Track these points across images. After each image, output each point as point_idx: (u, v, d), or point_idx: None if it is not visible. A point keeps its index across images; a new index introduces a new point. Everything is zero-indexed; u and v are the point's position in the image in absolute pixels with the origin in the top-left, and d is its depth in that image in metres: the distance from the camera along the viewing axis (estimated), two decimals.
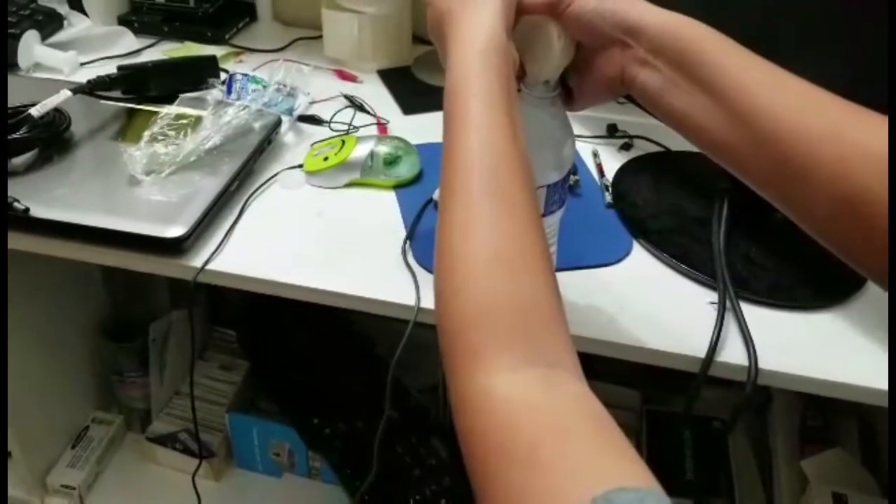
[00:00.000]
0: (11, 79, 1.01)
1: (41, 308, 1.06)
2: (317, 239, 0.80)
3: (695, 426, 1.19)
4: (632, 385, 1.22)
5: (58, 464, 1.15)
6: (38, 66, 1.07)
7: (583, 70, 0.59)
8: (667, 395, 1.24)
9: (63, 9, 1.18)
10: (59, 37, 1.13)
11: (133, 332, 1.17)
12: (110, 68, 0.97)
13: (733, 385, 0.68)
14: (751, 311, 0.72)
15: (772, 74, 0.51)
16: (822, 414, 1.12)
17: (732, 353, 0.69)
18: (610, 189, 0.89)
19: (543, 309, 0.44)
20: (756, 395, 0.69)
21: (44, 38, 1.10)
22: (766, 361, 0.67)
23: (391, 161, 0.87)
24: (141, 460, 1.20)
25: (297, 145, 0.94)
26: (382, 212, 0.84)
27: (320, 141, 0.92)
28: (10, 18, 1.09)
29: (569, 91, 0.62)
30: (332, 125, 0.97)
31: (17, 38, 1.05)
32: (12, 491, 1.13)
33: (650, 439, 1.19)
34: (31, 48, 1.06)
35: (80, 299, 1.15)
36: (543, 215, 0.65)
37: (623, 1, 0.55)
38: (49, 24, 1.13)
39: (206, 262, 0.76)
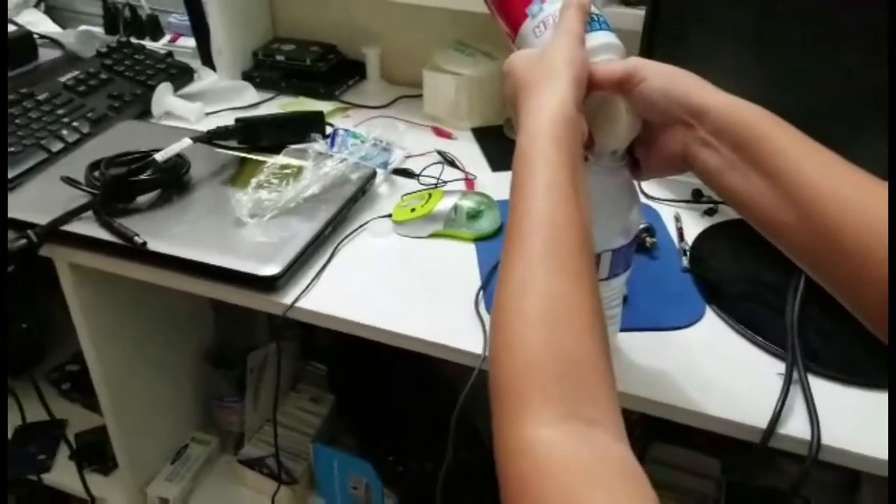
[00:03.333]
0: (144, 125, 1.14)
1: (156, 333, 1.16)
2: (397, 284, 0.85)
3: (775, 502, 1.15)
4: (713, 453, 1.20)
5: (157, 477, 1.24)
6: (168, 114, 1.19)
7: (648, 144, 0.62)
8: (750, 467, 1.21)
9: (196, 63, 1.30)
10: (190, 88, 1.25)
11: (234, 361, 1.26)
12: (230, 119, 1.07)
13: (824, 464, 0.68)
14: (820, 385, 0.72)
15: (829, 162, 0.53)
16: None
17: (796, 426, 0.68)
18: (687, 253, 0.90)
19: (589, 368, 0.46)
20: (845, 475, 0.68)
21: (176, 89, 1.22)
22: (831, 437, 0.67)
23: (474, 215, 0.92)
24: (231, 481, 1.27)
25: (389, 196, 1.00)
26: (461, 262, 0.89)
27: (410, 193, 0.98)
28: (147, 71, 1.22)
29: (636, 161, 0.65)
30: (423, 179, 1.03)
31: (152, 89, 1.17)
32: (115, 498, 1.22)
33: None
34: (164, 99, 1.18)
35: (191, 327, 1.25)
36: (608, 278, 0.68)
37: (689, 83, 0.58)
38: (181, 77, 1.25)
39: (296, 300, 0.82)
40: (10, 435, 1.29)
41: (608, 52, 0.60)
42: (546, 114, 0.55)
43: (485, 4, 0.67)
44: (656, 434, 1.18)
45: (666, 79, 0.58)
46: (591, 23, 0.60)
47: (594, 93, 0.59)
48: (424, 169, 1.04)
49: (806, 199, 0.52)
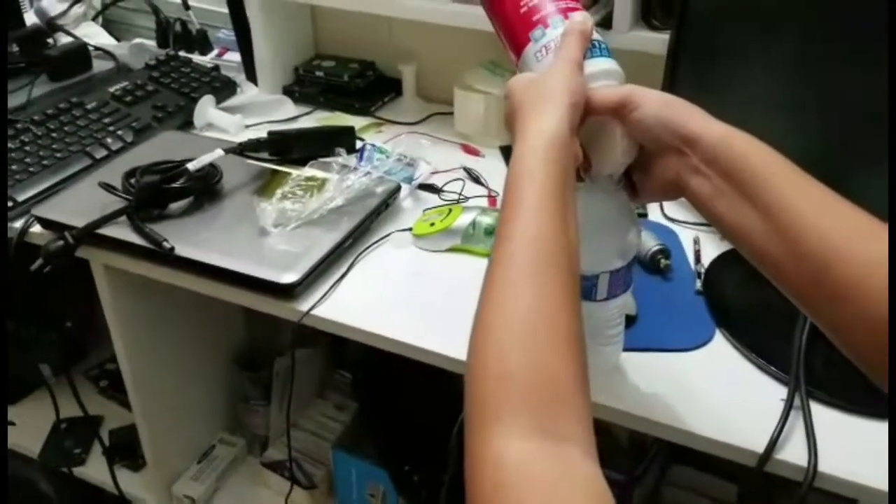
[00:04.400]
0: (185, 136, 1.19)
1: (187, 335, 1.20)
2: (413, 297, 0.88)
3: None
4: (731, 478, 1.19)
5: (183, 476, 1.28)
6: (210, 126, 1.24)
7: (644, 169, 0.64)
8: (771, 495, 1.19)
9: (239, 78, 1.35)
10: (231, 102, 1.30)
11: (263, 365, 1.30)
12: (266, 132, 1.11)
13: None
14: (824, 413, 0.72)
15: (819, 195, 0.53)
16: None
17: (794, 453, 0.69)
18: (702, 276, 0.90)
19: (563, 384, 0.47)
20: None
21: (218, 102, 1.26)
22: (828, 465, 0.67)
23: (492, 231, 0.93)
24: (254, 483, 1.31)
25: (413, 210, 1.02)
26: (476, 278, 0.90)
27: (432, 208, 1.00)
28: (192, 83, 1.28)
29: (633, 184, 0.66)
30: (447, 195, 1.05)
31: (196, 101, 1.22)
32: (142, 494, 1.27)
33: None
34: (206, 111, 1.23)
35: (221, 331, 1.29)
36: (606, 299, 0.69)
37: (683, 111, 0.59)
38: (224, 90, 1.30)
39: (311, 308, 0.85)
40: (48, 429, 1.35)
41: (607, 78, 0.62)
42: (539, 136, 0.56)
43: (492, 27, 0.69)
44: (676, 457, 1.18)
45: (660, 106, 0.59)
46: (591, 49, 0.62)
47: (591, 118, 0.61)
48: (446, 184, 1.07)
49: (793, 231, 0.53)
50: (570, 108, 0.58)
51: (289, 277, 0.85)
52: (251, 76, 1.35)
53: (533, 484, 0.42)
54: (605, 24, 1.02)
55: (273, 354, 1.27)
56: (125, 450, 1.30)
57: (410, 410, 1.20)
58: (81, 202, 0.97)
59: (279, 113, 1.29)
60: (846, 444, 0.69)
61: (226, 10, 1.32)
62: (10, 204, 0.99)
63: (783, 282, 0.56)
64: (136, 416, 1.16)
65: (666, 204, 1.02)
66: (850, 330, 0.51)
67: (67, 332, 1.40)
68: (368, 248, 0.95)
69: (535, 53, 0.64)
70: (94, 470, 1.31)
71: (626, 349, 0.78)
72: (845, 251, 0.51)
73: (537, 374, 0.47)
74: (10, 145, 1.07)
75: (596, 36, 0.63)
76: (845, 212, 0.52)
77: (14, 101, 1.21)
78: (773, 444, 0.69)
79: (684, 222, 1.01)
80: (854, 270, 0.50)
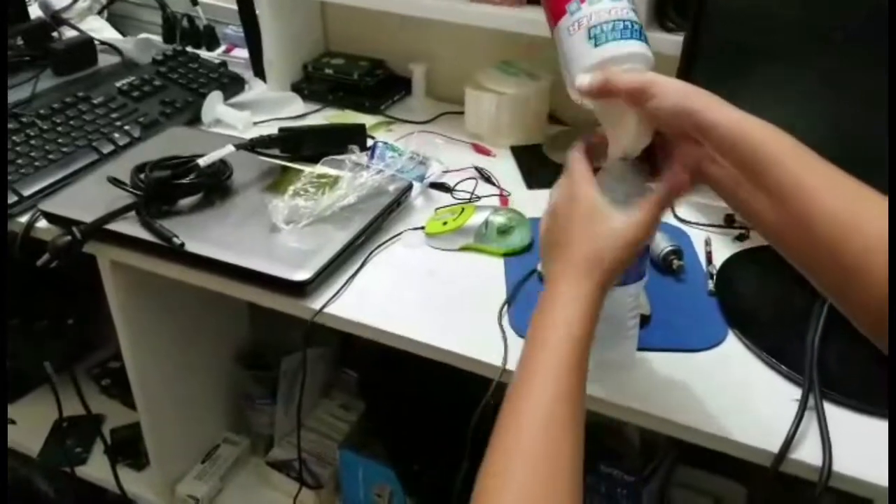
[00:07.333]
0: (193, 131, 1.18)
1: (193, 333, 1.20)
2: (425, 295, 0.87)
3: None
4: (740, 480, 1.18)
5: (187, 475, 1.27)
6: (218, 121, 1.23)
7: (665, 155, 0.64)
8: (783, 498, 1.19)
9: (247, 74, 1.35)
10: (240, 98, 1.29)
11: (270, 364, 1.29)
12: (276, 129, 1.11)
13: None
14: (838, 413, 0.72)
15: (831, 175, 0.54)
16: None
17: (809, 453, 0.68)
18: (714, 277, 0.90)
19: None
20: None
21: (226, 98, 1.26)
22: (843, 465, 0.67)
23: (504, 230, 0.93)
24: (259, 482, 1.30)
25: (424, 209, 1.02)
26: (489, 276, 0.90)
27: (444, 206, 1.00)
28: (200, 79, 1.27)
29: (656, 170, 0.66)
30: (458, 193, 1.05)
31: (204, 96, 1.22)
32: (145, 494, 1.26)
33: None
34: (214, 107, 1.22)
35: (228, 329, 1.29)
36: (620, 284, 0.69)
37: (699, 100, 0.59)
38: (232, 86, 1.30)
39: (324, 306, 0.85)
40: (49, 427, 1.34)
41: (633, 62, 0.62)
42: (570, 306, 0.59)
43: None
44: (683, 458, 1.18)
45: (678, 96, 0.59)
46: (623, 30, 0.62)
47: (611, 99, 0.61)
48: (458, 183, 1.06)
49: (806, 215, 0.53)
50: (610, 276, 0.61)
51: (301, 275, 0.85)
52: (259, 72, 1.34)
53: None
54: None
55: (279, 353, 1.27)
56: (127, 449, 1.29)
57: (418, 409, 1.19)
58: (88, 197, 0.96)
59: (288, 110, 1.28)
60: (861, 444, 0.69)
61: (233, 5, 1.32)
62: (15, 199, 0.98)
63: (799, 260, 0.56)
64: (140, 413, 1.16)
65: (678, 206, 1.02)
66: (860, 309, 0.52)
67: (70, 329, 1.40)
68: (381, 246, 0.94)
69: (568, 27, 0.63)
70: (96, 469, 1.30)
71: (639, 349, 0.78)
72: (851, 227, 0.51)
73: None
74: (14, 139, 1.07)
75: (631, 15, 0.63)
76: (854, 190, 0.53)
77: (18, 94, 1.21)
78: (787, 443, 0.68)
79: (695, 223, 1.00)
80: (859, 245, 0.51)
